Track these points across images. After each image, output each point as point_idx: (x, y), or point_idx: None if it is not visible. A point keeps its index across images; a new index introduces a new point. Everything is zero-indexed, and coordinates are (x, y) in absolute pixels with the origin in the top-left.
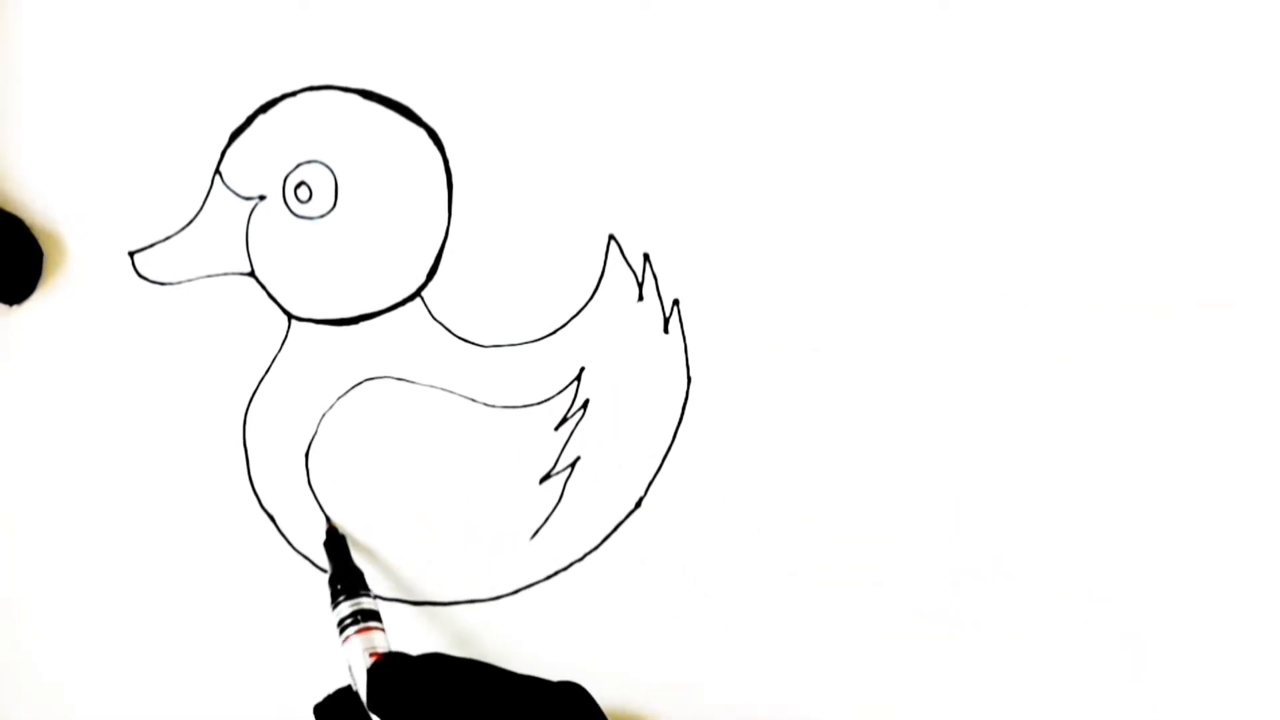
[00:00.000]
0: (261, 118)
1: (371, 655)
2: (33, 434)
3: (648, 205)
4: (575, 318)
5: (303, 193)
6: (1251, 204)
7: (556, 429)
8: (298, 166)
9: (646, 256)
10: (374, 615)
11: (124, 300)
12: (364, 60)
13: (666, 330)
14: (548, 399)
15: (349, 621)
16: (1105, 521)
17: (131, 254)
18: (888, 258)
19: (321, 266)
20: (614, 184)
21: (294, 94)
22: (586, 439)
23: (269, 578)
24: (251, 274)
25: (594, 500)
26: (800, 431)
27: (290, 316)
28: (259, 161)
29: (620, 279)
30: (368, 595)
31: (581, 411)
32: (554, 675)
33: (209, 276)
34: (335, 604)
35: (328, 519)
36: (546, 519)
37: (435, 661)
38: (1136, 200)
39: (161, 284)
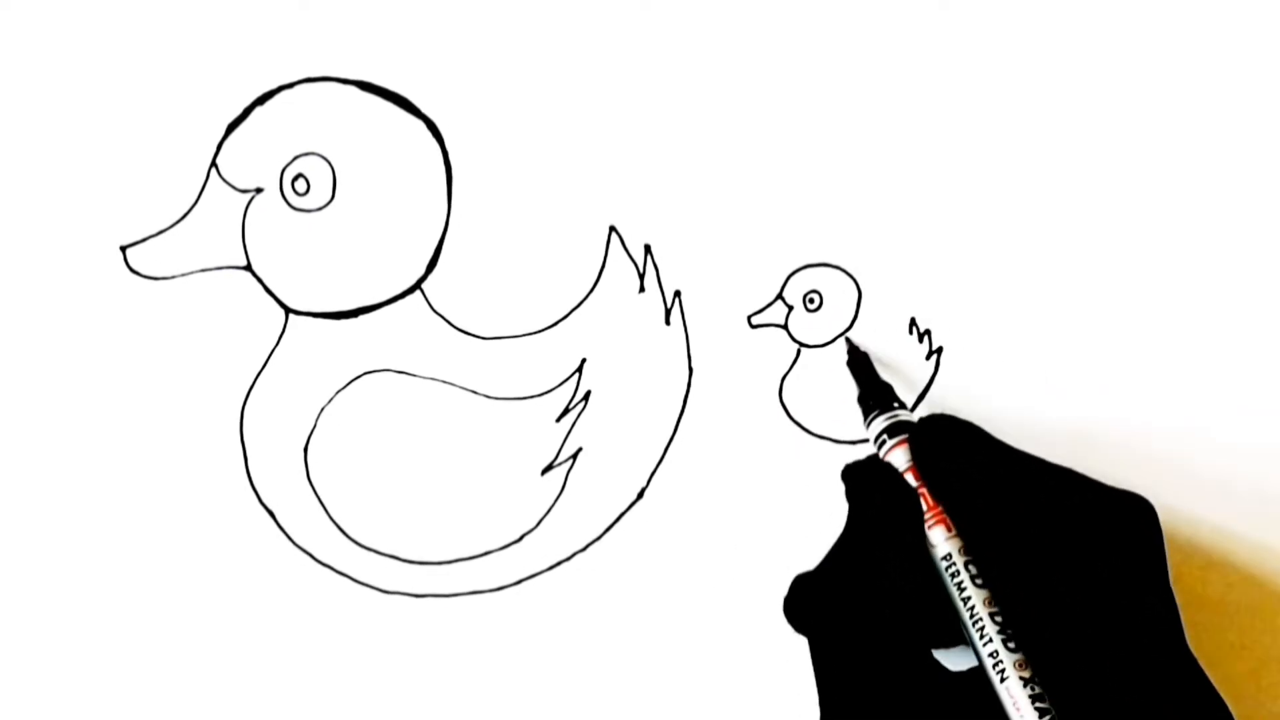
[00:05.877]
0: (258, 110)
1: (910, 468)
2: (26, 432)
3: (648, 197)
4: (576, 309)
5: (300, 185)
6: (1252, 204)
7: (558, 421)
8: (295, 159)
9: (648, 248)
10: (907, 426)
11: (118, 295)
12: (362, 52)
13: (668, 322)
14: (549, 391)
15: (885, 436)
16: None
17: (124, 248)
18: (888, 251)
19: (319, 259)
20: (615, 175)
21: (291, 85)
22: (588, 430)
23: (269, 574)
24: (248, 267)
25: (596, 491)
26: (802, 423)
27: (287, 310)
28: (256, 154)
29: (621, 270)
30: (901, 407)
31: (583, 403)
32: (555, 666)
33: (204, 270)
34: (869, 421)
35: (849, 340)
36: (549, 510)
37: (980, 432)
38: (1135, 200)
39: (155, 278)
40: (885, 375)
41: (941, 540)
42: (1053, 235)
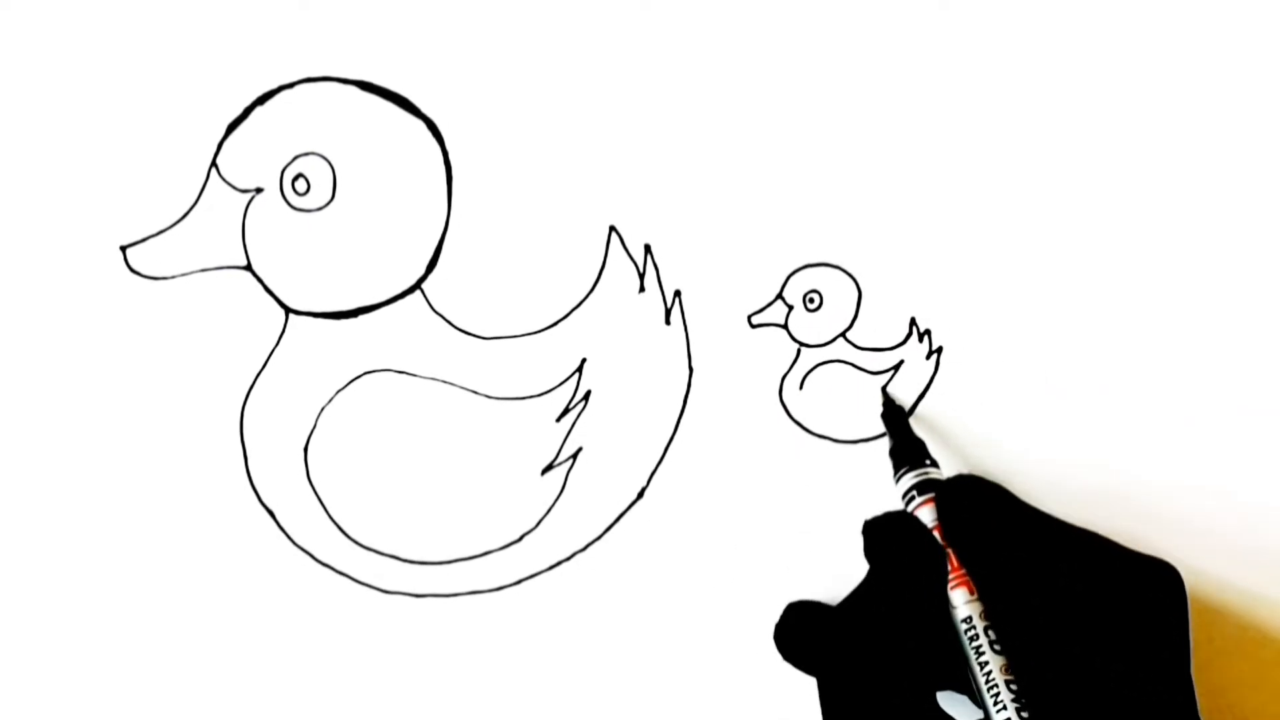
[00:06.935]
0: (259, 109)
1: (935, 526)
2: (26, 432)
3: (648, 196)
4: (576, 309)
5: (300, 185)
6: (1251, 204)
7: (558, 420)
8: (295, 159)
9: (648, 248)
10: (935, 484)
11: (118, 295)
12: (362, 51)
13: (668, 321)
14: (549, 390)
15: (915, 493)
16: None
17: (124, 248)
18: (888, 251)
19: (319, 259)
20: (615, 175)
21: (291, 85)
22: (588, 430)
23: (268, 574)
24: (248, 267)
25: (596, 491)
26: (802, 423)
27: (287, 310)
28: (256, 154)
29: (621, 270)
30: (933, 465)
31: (583, 403)
32: (555, 666)
33: (204, 270)
34: (898, 476)
35: (885, 392)
36: (549, 510)
37: (1007, 494)
38: (1135, 200)
39: (155, 278)
40: (884, 378)
41: (963, 603)
42: (1053, 235)
